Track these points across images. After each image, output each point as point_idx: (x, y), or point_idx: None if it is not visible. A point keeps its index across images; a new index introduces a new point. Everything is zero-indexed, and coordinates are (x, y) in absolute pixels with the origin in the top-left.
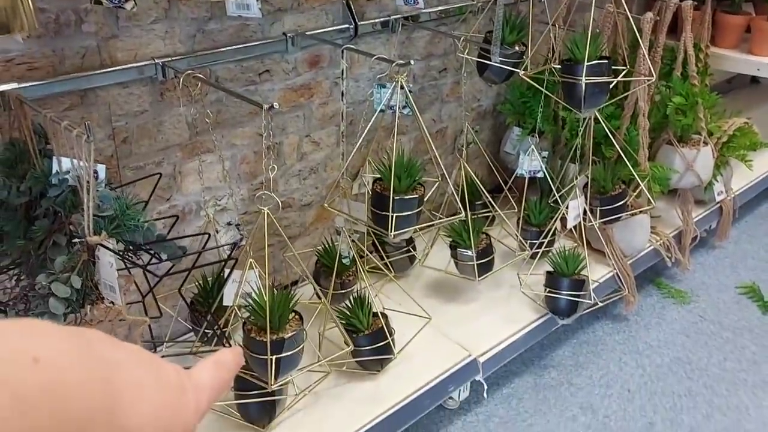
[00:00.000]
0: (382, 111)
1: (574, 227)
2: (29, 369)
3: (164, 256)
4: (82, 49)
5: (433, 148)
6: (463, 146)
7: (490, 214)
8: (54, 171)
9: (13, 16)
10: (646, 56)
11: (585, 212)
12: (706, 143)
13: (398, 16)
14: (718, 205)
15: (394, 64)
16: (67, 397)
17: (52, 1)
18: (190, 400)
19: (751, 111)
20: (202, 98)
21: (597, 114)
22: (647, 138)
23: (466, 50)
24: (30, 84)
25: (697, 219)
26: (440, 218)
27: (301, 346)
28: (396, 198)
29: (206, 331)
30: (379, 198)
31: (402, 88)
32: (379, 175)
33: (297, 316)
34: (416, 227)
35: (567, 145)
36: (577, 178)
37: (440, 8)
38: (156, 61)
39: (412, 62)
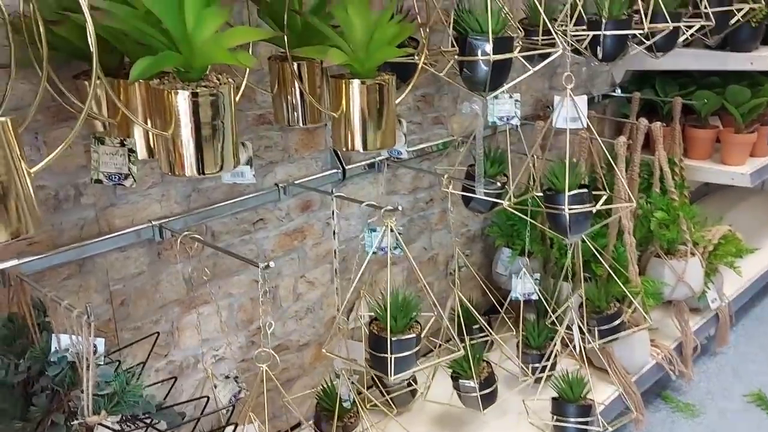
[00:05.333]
0: (374, 253)
1: (574, 347)
2: None
3: (163, 425)
4: (80, 220)
5: (426, 285)
6: (454, 273)
7: (488, 338)
8: (53, 349)
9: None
10: (624, 183)
11: (583, 333)
12: (693, 254)
13: (383, 157)
14: (714, 312)
15: (383, 210)
16: None
17: (52, 177)
18: None
19: (730, 213)
20: (198, 254)
21: (583, 235)
22: (635, 253)
23: (450, 186)
24: (29, 259)
25: (695, 328)
26: (439, 345)
27: None
28: (394, 339)
29: None
30: (376, 340)
31: (392, 231)
32: (375, 315)
33: None
34: (416, 368)
35: (557, 264)
36: (570, 299)
37: (423, 146)
38: (153, 223)
39: (399, 208)
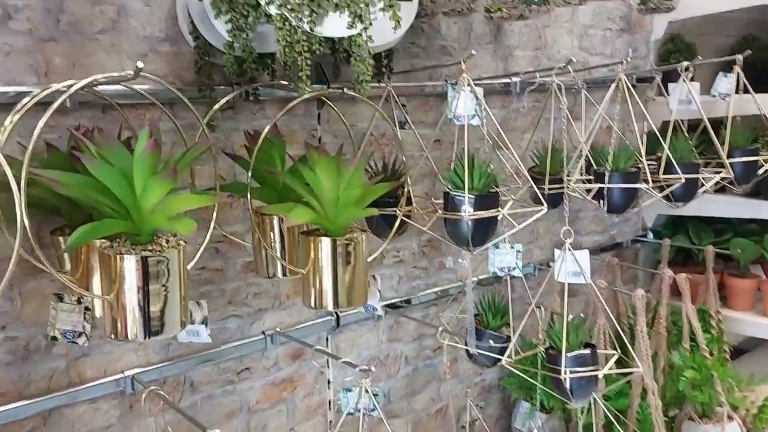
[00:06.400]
0: (350, 414)
1: None
2: None
3: None
4: (50, 371)
5: None
6: (465, 428)
7: None
8: None
9: None
10: (641, 341)
11: None
12: (731, 418)
13: (383, 303)
14: None
15: (357, 369)
16: None
17: (24, 328)
18: None
19: None
20: (173, 406)
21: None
22: (661, 417)
23: (446, 339)
24: None
25: None
26: None
27: None
28: None
29: None
30: None
31: (366, 392)
32: None
33: None
34: None
35: (579, 422)
36: None
37: (431, 290)
38: (125, 374)
39: (373, 369)
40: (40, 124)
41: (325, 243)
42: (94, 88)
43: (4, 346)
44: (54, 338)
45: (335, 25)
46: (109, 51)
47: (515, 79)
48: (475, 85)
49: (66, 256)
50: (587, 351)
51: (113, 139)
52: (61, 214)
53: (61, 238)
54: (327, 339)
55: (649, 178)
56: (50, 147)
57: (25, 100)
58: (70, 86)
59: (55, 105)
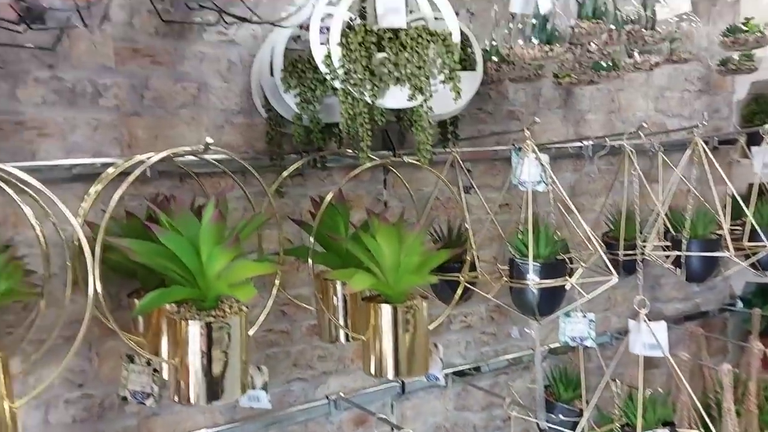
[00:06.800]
0: None
1: None
2: None
3: None
4: (122, 429)
5: None
6: None
7: None
8: None
9: None
10: (729, 429)
11: None
12: None
13: (450, 370)
14: None
15: None
16: None
17: (100, 386)
18: None
19: None
20: None
21: None
22: None
23: (514, 411)
24: None
25: None
26: None
27: None
28: None
29: None
30: None
31: None
32: None
33: None
34: None
35: None
36: None
37: (501, 358)
38: None
39: None
40: (118, 194)
41: (385, 310)
42: (173, 159)
43: (81, 404)
44: (124, 398)
45: (396, 98)
46: (189, 124)
47: (586, 143)
48: (544, 149)
49: (140, 318)
50: (665, 430)
51: (185, 208)
52: (138, 278)
53: (136, 301)
54: (392, 405)
55: (730, 246)
56: (129, 214)
57: (109, 170)
58: (149, 158)
59: (132, 177)
